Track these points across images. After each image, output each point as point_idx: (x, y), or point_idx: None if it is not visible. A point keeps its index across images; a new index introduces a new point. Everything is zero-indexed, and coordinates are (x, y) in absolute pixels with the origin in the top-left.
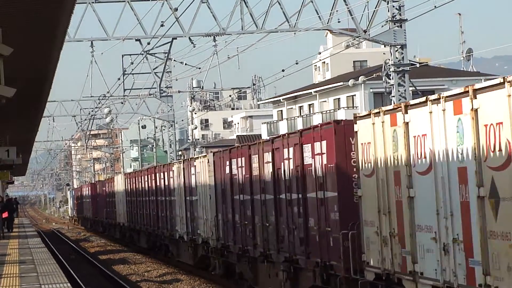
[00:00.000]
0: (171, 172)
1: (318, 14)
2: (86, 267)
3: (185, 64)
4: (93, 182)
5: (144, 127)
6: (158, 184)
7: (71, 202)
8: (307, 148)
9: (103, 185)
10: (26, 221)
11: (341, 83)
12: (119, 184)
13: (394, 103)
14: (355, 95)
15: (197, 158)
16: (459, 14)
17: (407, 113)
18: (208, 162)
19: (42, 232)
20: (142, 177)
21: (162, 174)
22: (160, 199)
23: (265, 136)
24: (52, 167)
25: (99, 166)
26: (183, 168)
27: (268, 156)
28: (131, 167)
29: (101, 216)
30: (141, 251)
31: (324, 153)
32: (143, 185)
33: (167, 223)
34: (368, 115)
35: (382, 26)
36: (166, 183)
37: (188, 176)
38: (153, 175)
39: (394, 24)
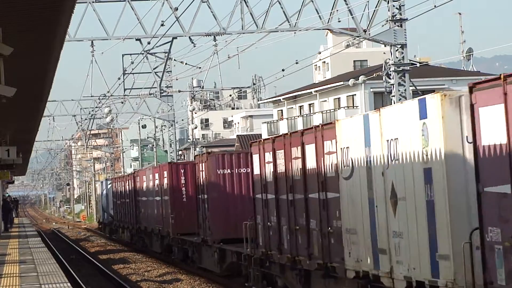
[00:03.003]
0: None
1: (318, 13)
2: (86, 267)
3: (186, 63)
4: (168, 162)
5: (144, 126)
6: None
7: (104, 201)
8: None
9: (207, 167)
10: (26, 220)
11: (341, 83)
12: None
13: (394, 102)
14: (355, 94)
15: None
16: (459, 14)
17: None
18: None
19: (42, 232)
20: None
21: None
22: None
23: (265, 136)
24: (52, 166)
25: (99, 165)
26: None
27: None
28: (131, 167)
29: (206, 234)
30: (143, 251)
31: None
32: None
33: None
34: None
35: (383, 25)
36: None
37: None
38: None
39: (394, 24)
